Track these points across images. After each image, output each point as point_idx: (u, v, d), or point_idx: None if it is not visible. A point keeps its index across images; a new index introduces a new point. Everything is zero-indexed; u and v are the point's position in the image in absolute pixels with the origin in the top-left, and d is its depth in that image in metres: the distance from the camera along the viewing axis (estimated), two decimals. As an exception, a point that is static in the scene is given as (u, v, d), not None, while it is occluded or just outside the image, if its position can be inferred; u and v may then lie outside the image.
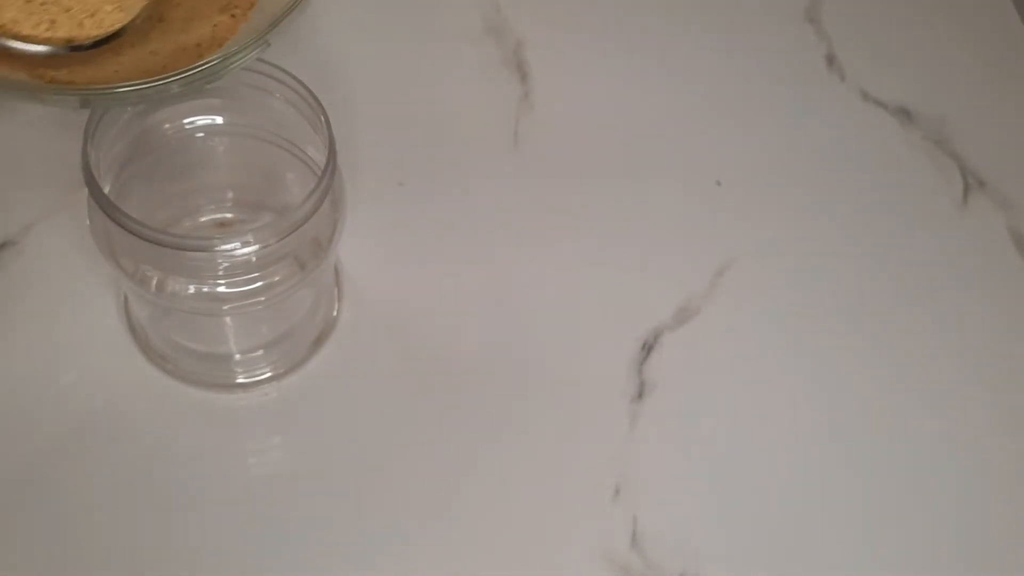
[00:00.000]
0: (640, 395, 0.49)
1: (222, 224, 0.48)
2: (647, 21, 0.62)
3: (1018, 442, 0.50)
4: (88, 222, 0.43)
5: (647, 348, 0.51)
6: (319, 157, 0.43)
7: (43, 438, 0.46)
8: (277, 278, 0.42)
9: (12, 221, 0.51)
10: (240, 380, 0.48)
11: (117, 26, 0.45)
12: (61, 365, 0.48)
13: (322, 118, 0.42)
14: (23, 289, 0.49)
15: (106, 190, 0.42)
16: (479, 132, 0.56)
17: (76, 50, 0.45)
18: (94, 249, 0.50)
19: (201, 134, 0.46)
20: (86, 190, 0.52)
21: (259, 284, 0.42)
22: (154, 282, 0.43)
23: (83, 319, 0.49)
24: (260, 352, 0.48)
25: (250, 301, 0.42)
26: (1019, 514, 0.48)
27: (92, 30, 0.45)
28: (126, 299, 0.48)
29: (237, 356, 0.48)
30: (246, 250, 0.40)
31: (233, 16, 0.47)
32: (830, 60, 0.61)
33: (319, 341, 0.49)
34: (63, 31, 0.45)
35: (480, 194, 0.54)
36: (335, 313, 0.50)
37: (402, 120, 0.56)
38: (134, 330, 0.48)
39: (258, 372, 0.48)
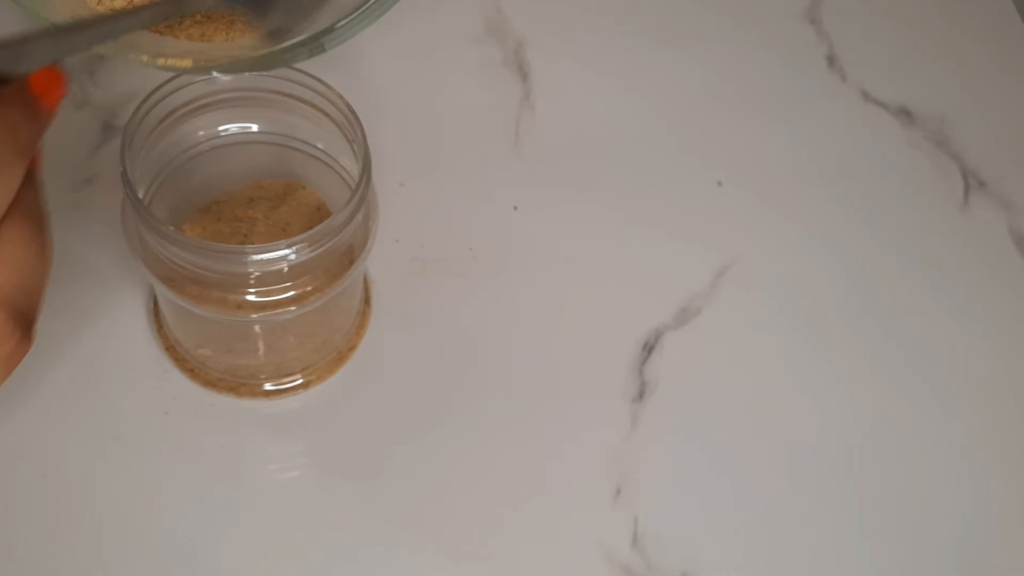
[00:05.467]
0: (641, 395, 0.49)
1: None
2: (647, 22, 0.62)
3: (1019, 441, 0.50)
4: (121, 225, 0.43)
5: (648, 348, 0.51)
6: (351, 166, 0.44)
7: (62, 439, 0.46)
8: (309, 288, 0.43)
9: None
10: (267, 387, 0.48)
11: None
12: (83, 365, 0.48)
13: (357, 129, 0.42)
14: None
15: (140, 194, 0.42)
16: (480, 132, 0.56)
17: None
18: (102, 250, 0.50)
19: (235, 142, 0.46)
20: (86, 190, 0.52)
21: (291, 294, 0.42)
22: (185, 288, 0.43)
23: (104, 320, 0.49)
24: (288, 360, 0.48)
25: (281, 310, 0.43)
26: (1020, 513, 0.48)
27: None
28: (155, 302, 0.49)
29: (265, 364, 0.48)
30: (278, 258, 0.40)
31: None
32: (831, 60, 0.61)
33: (348, 350, 0.49)
34: None
35: (480, 194, 0.54)
36: (364, 322, 0.50)
37: (402, 120, 0.56)
38: (162, 334, 0.48)
39: (286, 380, 0.48)
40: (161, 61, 0.42)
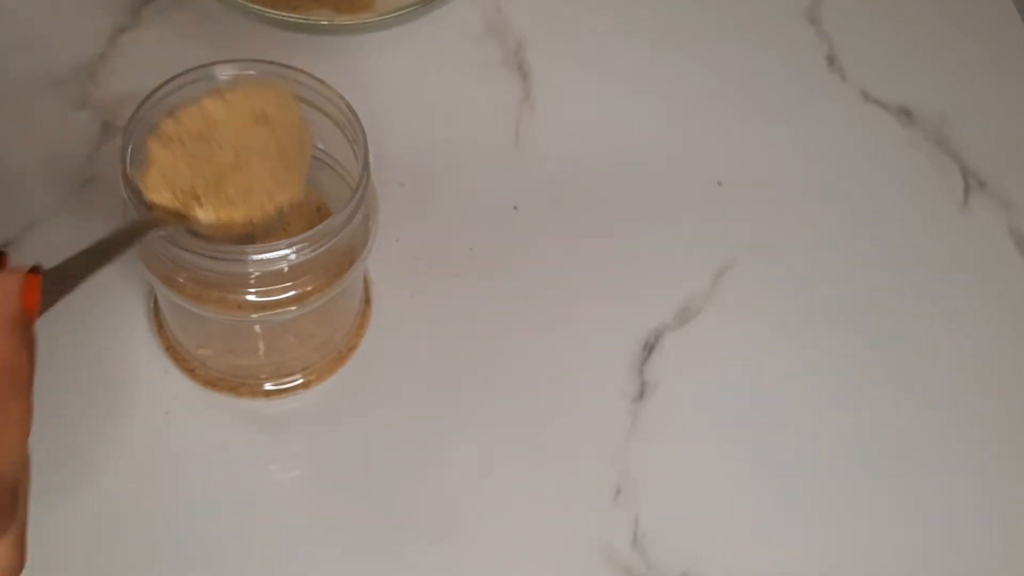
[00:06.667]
0: (641, 395, 0.49)
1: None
2: (647, 22, 0.62)
3: (1020, 441, 0.50)
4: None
5: (648, 348, 0.51)
6: (352, 166, 0.44)
7: (62, 439, 0.46)
8: (309, 288, 0.43)
9: (12, 221, 0.51)
10: (268, 387, 0.48)
11: None
12: (83, 365, 0.48)
13: (358, 129, 0.42)
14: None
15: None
16: (480, 132, 0.56)
17: None
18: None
19: None
20: (86, 190, 0.52)
21: (291, 294, 0.42)
22: (186, 288, 0.42)
23: (104, 320, 0.49)
24: (288, 360, 0.48)
25: (281, 310, 0.43)
26: (1020, 511, 0.48)
27: None
28: (155, 302, 0.49)
29: (265, 364, 0.48)
30: (278, 258, 0.40)
31: None
32: (831, 60, 0.61)
33: (348, 350, 0.49)
34: None
35: (481, 194, 0.54)
36: (364, 322, 0.50)
37: (403, 120, 0.56)
38: (162, 333, 0.48)
39: (286, 380, 0.48)
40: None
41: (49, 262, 0.50)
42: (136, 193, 0.40)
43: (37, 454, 0.46)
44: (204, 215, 0.40)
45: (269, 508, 0.46)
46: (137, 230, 0.38)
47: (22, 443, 0.30)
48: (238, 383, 0.47)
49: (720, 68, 0.60)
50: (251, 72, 0.43)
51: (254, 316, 0.43)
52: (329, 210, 0.48)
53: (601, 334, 0.51)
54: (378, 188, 0.45)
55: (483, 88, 0.58)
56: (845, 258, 0.54)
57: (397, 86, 0.57)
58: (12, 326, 0.29)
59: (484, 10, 0.60)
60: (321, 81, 0.43)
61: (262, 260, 0.40)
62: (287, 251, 0.40)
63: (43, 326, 0.49)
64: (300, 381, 0.48)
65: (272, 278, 0.41)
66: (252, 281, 0.41)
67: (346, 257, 0.44)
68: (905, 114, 0.59)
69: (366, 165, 0.42)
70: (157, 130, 0.40)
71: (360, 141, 0.42)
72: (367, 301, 0.50)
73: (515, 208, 0.54)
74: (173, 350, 0.48)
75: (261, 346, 0.47)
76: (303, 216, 0.48)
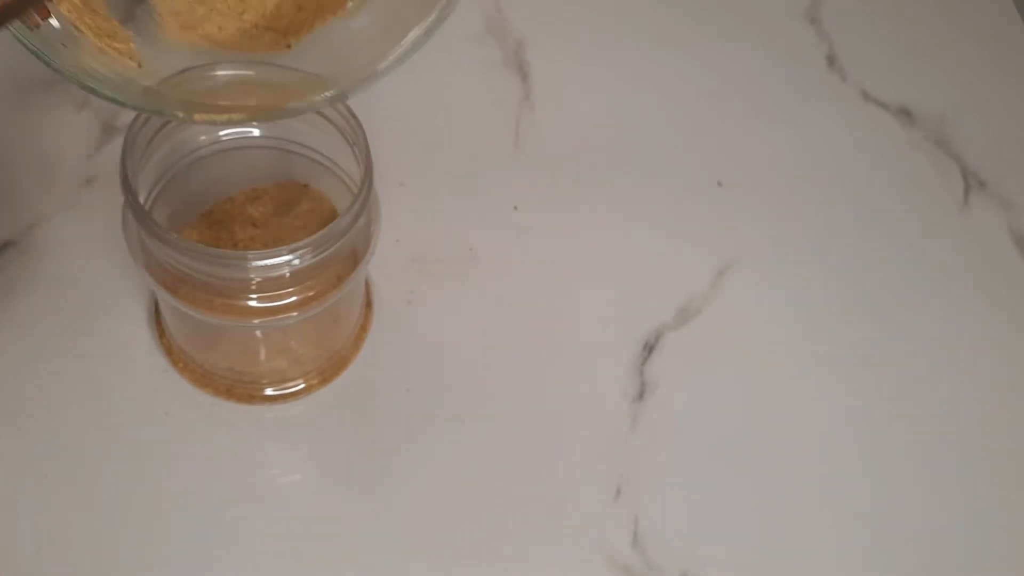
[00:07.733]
0: (641, 395, 0.49)
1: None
2: (648, 22, 0.62)
3: (1019, 442, 0.50)
4: (122, 230, 0.43)
5: (648, 348, 0.51)
6: (353, 170, 0.44)
7: (63, 440, 0.46)
8: (311, 293, 0.42)
9: (12, 221, 0.51)
10: (269, 392, 0.48)
11: None
12: (84, 366, 0.48)
13: (359, 133, 0.42)
14: (28, 289, 0.49)
15: (141, 199, 0.42)
16: (480, 132, 0.56)
17: None
18: (102, 251, 0.50)
19: (236, 146, 0.46)
20: (86, 190, 0.52)
21: (293, 299, 0.42)
22: (186, 294, 0.42)
23: (105, 322, 0.49)
24: (290, 365, 0.48)
25: (282, 315, 0.42)
26: (1020, 512, 0.48)
27: None
28: (156, 307, 0.48)
29: (267, 368, 0.48)
30: (280, 264, 0.40)
31: None
32: (831, 60, 0.61)
33: (349, 354, 0.49)
34: None
35: (481, 194, 0.54)
36: (366, 325, 0.50)
37: (403, 120, 0.56)
38: (163, 337, 0.48)
39: (288, 385, 0.48)
40: (198, 116, 0.41)
41: (51, 263, 0.50)
42: (135, 197, 0.40)
43: (36, 455, 0.46)
44: None
45: (270, 511, 0.46)
46: None
47: None
48: (240, 388, 0.47)
49: (720, 68, 0.60)
50: (251, 73, 0.43)
51: (255, 321, 0.43)
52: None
53: (601, 334, 0.51)
54: (378, 188, 0.45)
55: (483, 88, 0.58)
56: (845, 258, 0.54)
57: (396, 86, 0.57)
58: None
59: (484, 10, 0.60)
60: None
61: (263, 266, 0.40)
62: (289, 257, 0.40)
63: (45, 327, 0.49)
64: (302, 386, 0.48)
65: (274, 283, 0.41)
66: (254, 287, 0.41)
67: (348, 262, 0.43)
68: (905, 114, 0.59)
69: (368, 169, 0.42)
70: None
71: (361, 145, 0.42)
72: (368, 304, 0.50)
73: (515, 208, 0.54)
74: (174, 353, 0.48)
75: (262, 351, 0.47)
76: (318, 222, 0.48)
